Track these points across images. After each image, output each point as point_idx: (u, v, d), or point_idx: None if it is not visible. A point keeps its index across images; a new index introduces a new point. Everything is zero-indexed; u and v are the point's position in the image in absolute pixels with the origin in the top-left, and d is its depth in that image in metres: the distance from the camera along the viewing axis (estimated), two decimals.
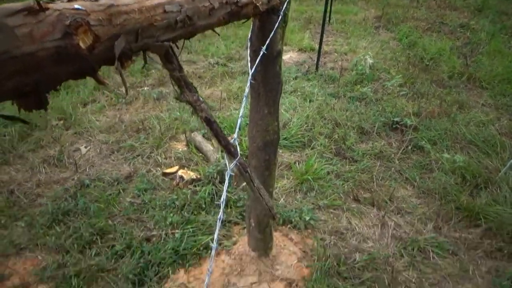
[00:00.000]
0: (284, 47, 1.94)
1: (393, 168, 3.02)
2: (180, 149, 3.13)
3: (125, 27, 0.53)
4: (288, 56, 5.36)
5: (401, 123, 3.52)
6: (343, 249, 2.28)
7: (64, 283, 2.00)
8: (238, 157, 1.28)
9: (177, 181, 2.74)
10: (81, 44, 0.43)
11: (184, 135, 3.25)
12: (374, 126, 3.51)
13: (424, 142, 3.25)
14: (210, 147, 3.08)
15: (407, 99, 4.04)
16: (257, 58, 1.34)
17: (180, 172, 2.78)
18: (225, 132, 3.32)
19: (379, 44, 5.86)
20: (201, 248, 2.23)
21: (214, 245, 1.08)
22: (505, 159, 2.95)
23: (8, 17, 0.36)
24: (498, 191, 2.67)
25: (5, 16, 0.36)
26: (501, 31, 6.39)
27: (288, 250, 2.28)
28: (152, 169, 2.92)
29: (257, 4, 1.17)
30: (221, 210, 1.06)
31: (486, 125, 3.50)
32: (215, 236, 1.03)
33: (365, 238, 2.39)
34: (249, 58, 1.46)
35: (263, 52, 1.35)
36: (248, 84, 1.34)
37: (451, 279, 2.09)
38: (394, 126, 3.54)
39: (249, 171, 1.34)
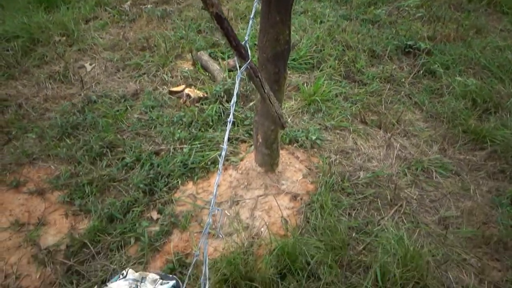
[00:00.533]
0: None
1: (402, 92, 2.97)
2: (187, 68, 3.07)
3: None
4: None
5: (415, 46, 3.40)
6: (347, 167, 2.33)
7: (77, 190, 2.08)
8: (249, 60, 1.24)
9: (184, 99, 2.72)
10: None
11: (190, 54, 3.16)
12: (386, 50, 3.39)
13: (437, 66, 3.16)
14: (216, 66, 3.02)
15: (422, 23, 3.85)
16: None
17: (187, 91, 2.76)
18: (233, 53, 3.24)
19: None
20: (209, 163, 2.28)
21: (224, 147, 1.09)
22: None
23: None
24: (508, 115, 2.64)
25: None
26: None
27: (293, 167, 2.33)
28: (158, 87, 2.89)
29: None
30: (232, 107, 1.05)
31: (502, 51, 3.36)
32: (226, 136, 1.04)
33: (370, 158, 2.42)
34: None
35: None
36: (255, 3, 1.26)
37: (452, 196, 2.15)
38: (406, 50, 3.42)
39: (259, 76, 1.32)
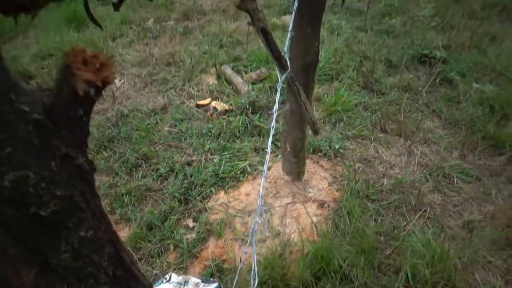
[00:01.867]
0: None
1: (420, 101, 3.07)
2: (211, 82, 3.21)
3: None
4: None
5: (430, 56, 3.49)
6: (371, 174, 2.42)
7: (117, 200, 2.21)
8: (288, 70, 1.36)
9: (211, 111, 2.85)
10: None
11: (214, 68, 3.31)
12: (402, 59, 3.50)
13: (453, 74, 3.25)
14: (239, 79, 3.15)
15: (436, 32, 3.95)
16: None
17: (213, 104, 2.89)
18: (255, 66, 3.37)
19: None
20: (238, 172, 2.39)
21: (268, 150, 1.20)
22: None
23: None
24: None
25: None
26: None
27: (319, 175, 2.44)
28: (185, 100, 3.03)
29: None
30: (273, 116, 1.16)
31: None
32: (269, 141, 1.15)
33: (392, 165, 2.51)
34: None
35: None
36: (293, 17, 1.38)
37: (474, 201, 2.23)
38: (422, 59, 3.52)
39: (297, 84, 1.44)
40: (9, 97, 0.38)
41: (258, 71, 3.23)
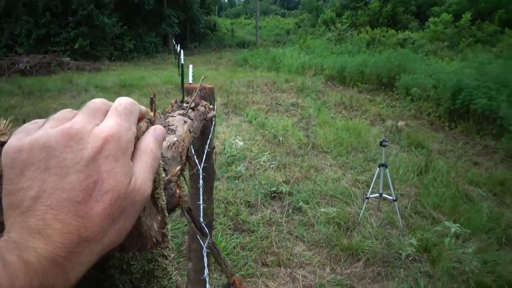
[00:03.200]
0: None
1: (284, 230, 3.57)
2: None
3: None
4: None
5: (278, 191, 4.19)
6: None
7: None
8: (208, 236, 1.58)
9: None
10: None
11: None
12: (257, 198, 4.07)
13: (300, 203, 3.94)
14: None
15: (275, 171, 4.80)
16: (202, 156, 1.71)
17: None
18: None
19: (235, 128, 6.74)
20: None
21: None
22: (360, 204, 3.84)
23: None
24: (364, 229, 3.46)
25: None
26: (323, 105, 8.13)
27: None
28: None
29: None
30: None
31: (338, 181, 4.46)
32: None
33: None
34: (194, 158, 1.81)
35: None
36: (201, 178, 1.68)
37: None
38: (272, 195, 4.18)
39: (217, 248, 1.64)
40: None
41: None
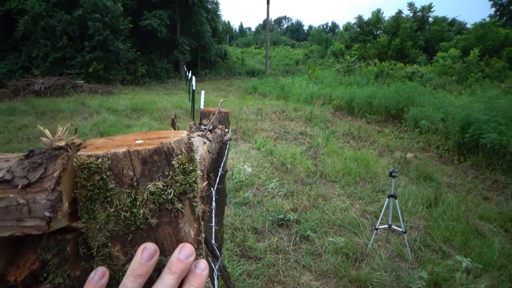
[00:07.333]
0: None
1: (291, 259, 3.52)
2: None
3: None
4: None
5: (285, 219, 4.16)
6: None
7: None
8: (220, 259, 1.58)
9: None
10: None
11: None
12: (265, 225, 4.04)
13: (307, 232, 3.90)
14: None
15: (282, 198, 4.78)
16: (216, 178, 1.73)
17: None
18: None
19: (243, 154, 6.77)
20: None
21: None
22: (369, 235, 3.79)
23: None
24: (372, 260, 3.40)
25: None
26: (331, 135, 8.16)
27: None
28: None
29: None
30: None
31: (346, 210, 4.42)
32: None
33: None
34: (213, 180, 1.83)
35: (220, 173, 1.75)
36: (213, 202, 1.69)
37: None
38: (280, 222, 4.15)
39: (227, 270, 1.63)
40: None
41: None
